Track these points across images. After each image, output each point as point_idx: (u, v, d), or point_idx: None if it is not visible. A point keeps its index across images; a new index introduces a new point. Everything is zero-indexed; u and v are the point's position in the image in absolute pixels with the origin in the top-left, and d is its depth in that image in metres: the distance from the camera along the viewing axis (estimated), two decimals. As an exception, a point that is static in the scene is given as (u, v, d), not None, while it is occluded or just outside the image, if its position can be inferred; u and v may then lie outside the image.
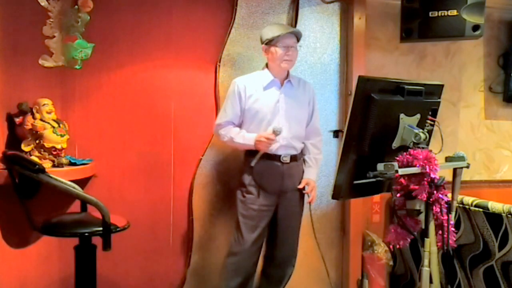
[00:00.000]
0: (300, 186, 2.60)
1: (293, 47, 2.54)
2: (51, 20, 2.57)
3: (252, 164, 2.50)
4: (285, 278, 2.72)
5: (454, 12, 2.96)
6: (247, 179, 2.56)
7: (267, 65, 2.63)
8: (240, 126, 2.61)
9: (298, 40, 2.58)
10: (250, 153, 2.55)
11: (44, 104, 2.42)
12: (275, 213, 2.60)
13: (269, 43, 2.53)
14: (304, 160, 2.67)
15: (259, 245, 2.62)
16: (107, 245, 2.10)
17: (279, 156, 2.54)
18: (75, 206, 2.59)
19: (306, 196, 2.64)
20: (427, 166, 1.76)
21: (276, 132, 2.43)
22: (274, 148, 2.51)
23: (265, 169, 2.53)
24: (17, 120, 2.39)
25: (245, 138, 2.53)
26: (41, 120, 2.39)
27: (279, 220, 2.61)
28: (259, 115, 2.55)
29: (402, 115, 1.90)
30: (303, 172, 2.64)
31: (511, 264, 2.50)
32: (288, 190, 2.58)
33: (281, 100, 2.58)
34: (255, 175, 2.53)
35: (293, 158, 2.58)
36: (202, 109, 2.91)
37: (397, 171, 1.76)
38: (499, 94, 3.57)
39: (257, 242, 2.58)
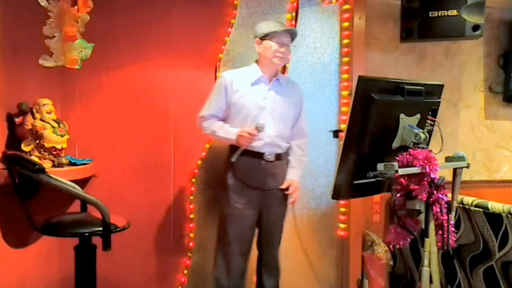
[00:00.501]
0: (283, 187, 2.56)
1: (287, 46, 2.52)
2: (51, 20, 2.57)
3: (233, 159, 2.47)
4: (275, 281, 2.67)
5: (454, 12, 2.96)
6: (230, 177, 2.53)
7: (256, 61, 2.60)
8: (224, 120, 2.58)
9: (292, 40, 2.56)
10: (234, 149, 2.51)
11: (44, 104, 2.42)
12: (259, 213, 2.56)
13: (264, 37, 2.50)
14: (288, 161, 2.63)
15: (247, 246, 2.57)
16: (107, 245, 2.10)
17: (263, 154, 2.51)
18: (75, 206, 2.59)
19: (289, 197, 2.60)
20: (427, 166, 1.76)
21: (258, 128, 2.39)
22: (258, 146, 2.48)
23: (248, 166, 2.50)
24: (17, 120, 2.40)
25: (227, 132, 2.49)
26: (41, 120, 2.39)
27: (263, 219, 2.57)
28: (244, 110, 2.51)
29: (402, 115, 1.90)
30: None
31: (511, 264, 2.50)
32: (271, 189, 2.54)
33: (268, 97, 2.55)
34: (238, 173, 2.51)
35: (278, 157, 2.55)
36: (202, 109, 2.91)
37: (397, 171, 1.75)
38: (499, 94, 3.57)
39: (243, 242, 2.53)
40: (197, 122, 2.61)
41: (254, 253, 2.65)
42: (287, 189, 2.57)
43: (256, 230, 2.62)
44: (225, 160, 2.60)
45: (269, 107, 2.53)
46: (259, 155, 2.50)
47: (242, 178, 2.51)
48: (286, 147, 2.61)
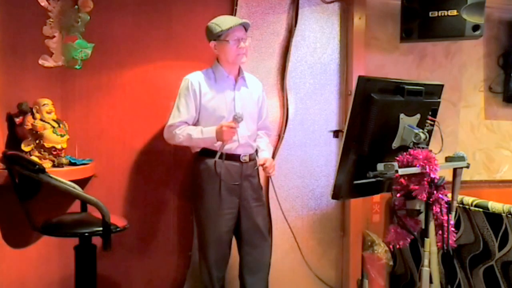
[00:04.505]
0: (260, 163, 2.54)
1: (244, 39, 2.43)
2: (51, 20, 2.57)
3: (216, 158, 2.34)
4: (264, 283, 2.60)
5: (454, 12, 2.96)
6: (205, 182, 2.45)
7: (217, 60, 2.53)
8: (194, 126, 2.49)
9: (246, 30, 2.48)
10: (203, 154, 2.47)
11: (44, 104, 2.42)
12: (239, 218, 2.52)
13: (218, 38, 2.41)
14: (258, 147, 2.61)
15: (226, 251, 2.53)
16: (107, 245, 2.10)
17: (239, 155, 2.47)
18: (75, 206, 2.59)
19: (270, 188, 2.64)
20: (427, 166, 1.76)
21: (237, 119, 2.30)
22: (233, 148, 2.43)
23: (224, 170, 2.43)
24: (17, 120, 2.40)
25: (204, 132, 2.39)
26: (41, 120, 2.39)
27: (242, 222, 2.52)
28: (217, 113, 2.44)
29: (402, 115, 1.90)
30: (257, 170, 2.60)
31: (511, 264, 2.50)
32: (248, 191, 2.51)
33: (237, 97, 2.50)
34: (214, 177, 2.43)
35: (251, 157, 2.53)
36: (202, 109, 2.91)
37: (397, 171, 1.76)
38: (499, 94, 3.57)
39: (221, 247, 2.49)
40: (164, 134, 2.48)
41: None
42: (261, 174, 2.59)
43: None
44: (194, 166, 2.55)
45: (239, 107, 2.48)
46: (235, 158, 2.46)
47: (219, 182, 2.43)
48: (255, 146, 2.60)
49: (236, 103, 2.49)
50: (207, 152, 2.46)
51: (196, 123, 2.50)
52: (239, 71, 2.55)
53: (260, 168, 2.59)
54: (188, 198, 2.91)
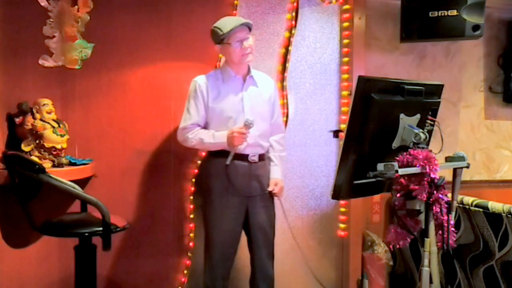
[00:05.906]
0: (270, 189, 2.53)
1: (247, 38, 2.42)
2: (51, 20, 2.57)
3: (227, 162, 2.36)
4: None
5: (454, 12, 2.96)
6: (213, 181, 2.46)
7: (226, 61, 2.54)
8: (205, 128, 2.50)
9: (250, 30, 2.46)
10: (213, 153, 2.47)
11: (44, 104, 2.42)
12: (247, 216, 2.50)
13: (222, 41, 2.42)
14: (269, 158, 2.59)
15: (231, 251, 2.51)
16: (107, 245, 2.10)
17: (247, 155, 2.45)
18: (75, 206, 2.59)
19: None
20: (427, 166, 1.76)
21: (248, 125, 2.33)
22: (241, 147, 2.41)
23: (232, 169, 2.42)
24: (17, 120, 2.40)
25: (215, 137, 2.41)
26: (41, 120, 2.40)
27: (250, 222, 2.51)
28: (224, 114, 2.44)
29: (402, 115, 1.90)
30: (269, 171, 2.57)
31: (511, 264, 2.50)
32: (257, 191, 2.49)
33: (245, 97, 2.48)
34: (223, 176, 2.42)
35: (261, 157, 2.51)
36: (202, 109, 2.91)
37: (397, 171, 1.75)
38: (499, 94, 3.57)
39: (226, 247, 2.48)
40: (178, 136, 2.52)
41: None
42: (273, 190, 2.54)
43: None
44: (203, 165, 2.55)
45: (248, 107, 2.47)
46: (243, 157, 2.45)
47: (226, 181, 2.43)
48: (267, 146, 2.58)
49: (245, 104, 2.48)
50: (217, 152, 2.46)
51: (205, 124, 2.51)
52: (248, 70, 2.55)
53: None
54: (187, 198, 2.91)
